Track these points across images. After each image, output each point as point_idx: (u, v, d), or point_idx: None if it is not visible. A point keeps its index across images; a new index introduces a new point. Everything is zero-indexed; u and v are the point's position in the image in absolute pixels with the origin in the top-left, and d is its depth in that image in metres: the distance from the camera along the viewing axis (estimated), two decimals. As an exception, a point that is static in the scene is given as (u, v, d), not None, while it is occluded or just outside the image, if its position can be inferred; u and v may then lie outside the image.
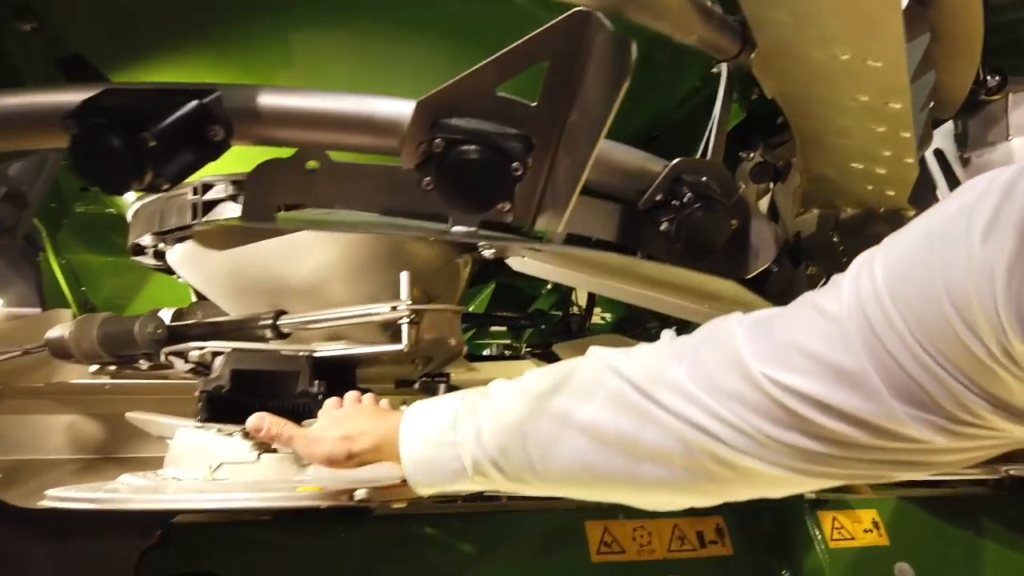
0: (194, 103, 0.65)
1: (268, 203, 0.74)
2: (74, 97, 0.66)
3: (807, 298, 0.62)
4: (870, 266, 0.56)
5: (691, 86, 1.32)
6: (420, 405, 0.88)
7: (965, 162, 1.19)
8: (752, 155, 1.34)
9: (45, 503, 1.15)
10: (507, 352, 2.18)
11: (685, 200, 0.85)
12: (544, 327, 2.06)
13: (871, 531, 1.42)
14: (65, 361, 1.37)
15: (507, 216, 0.72)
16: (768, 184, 1.38)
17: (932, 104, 1.02)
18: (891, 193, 1.05)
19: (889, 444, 0.56)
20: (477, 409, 0.80)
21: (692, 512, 1.36)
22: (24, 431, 1.76)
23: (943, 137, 1.22)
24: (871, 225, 1.17)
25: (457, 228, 0.77)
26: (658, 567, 1.27)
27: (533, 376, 0.80)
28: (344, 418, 0.96)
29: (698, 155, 1.10)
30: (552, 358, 1.61)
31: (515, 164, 0.69)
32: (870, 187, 1.07)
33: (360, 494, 0.98)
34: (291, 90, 0.71)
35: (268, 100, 0.70)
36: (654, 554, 1.29)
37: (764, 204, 1.45)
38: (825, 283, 1.00)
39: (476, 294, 1.93)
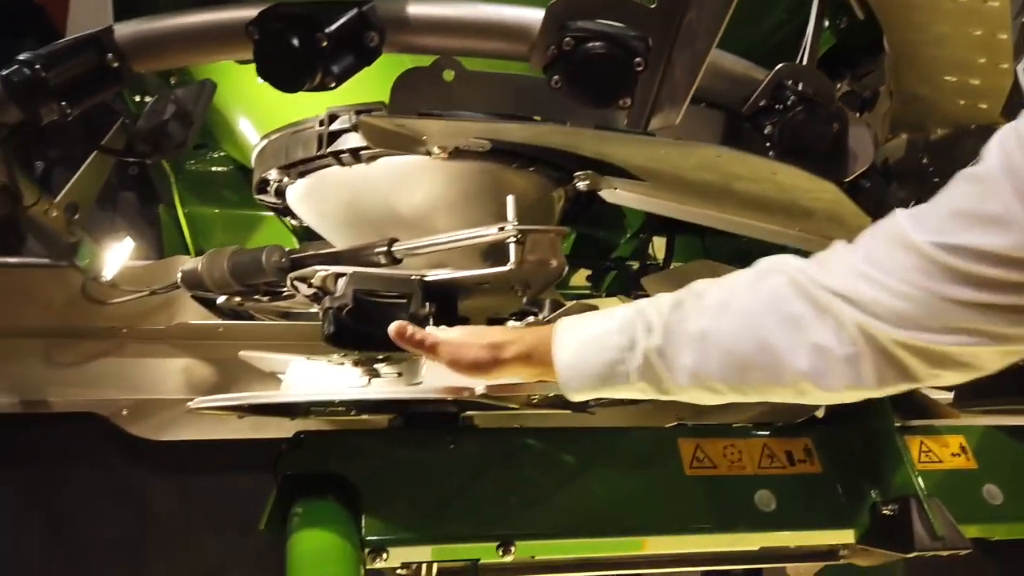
0: (355, 10, 0.74)
1: (410, 108, 0.82)
2: (249, 12, 0.75)
3: (957, 175, 0.69)
4: (1013, 128, 0.63)
5: (777, 20, 1.36)
6: (574, 315, 0.92)
7: (1057, 78, 1.21)
8: (840, 85, 1.38)
9: (193, 405, 1.26)
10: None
11: (788, 104, 0.90)
12: (624, 273, 2.12)
13: (959, 455, 1.45)
14: (196, 293, 1.50)
15: (626, 111, 0.79)
16: (856, 114, 1.41)
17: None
18: (984, 106, 1.08)
19: None
20: (647, 315, 0.83)
21: (781, 432, 1.42)
22: (146, 372, 1.91)
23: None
24: (962, 143, 1.19)
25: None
26: (748, 482, 1.33)
27: (704, 283, 0.83)
28: (485, 330, 1.00)
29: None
30: (641, 292, 1.68)
31: (637, 59, 0.76)
32: (962, 102, 1.10)
33: (480, 390, 1.06)
34: (434, 1, 0.80)
35: (415, 9, 0.78)
36: (744, 470, 1.35)
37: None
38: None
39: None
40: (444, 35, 0.79)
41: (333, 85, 0.75)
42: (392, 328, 1.01)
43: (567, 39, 0.76)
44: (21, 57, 0.79)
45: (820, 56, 1.35)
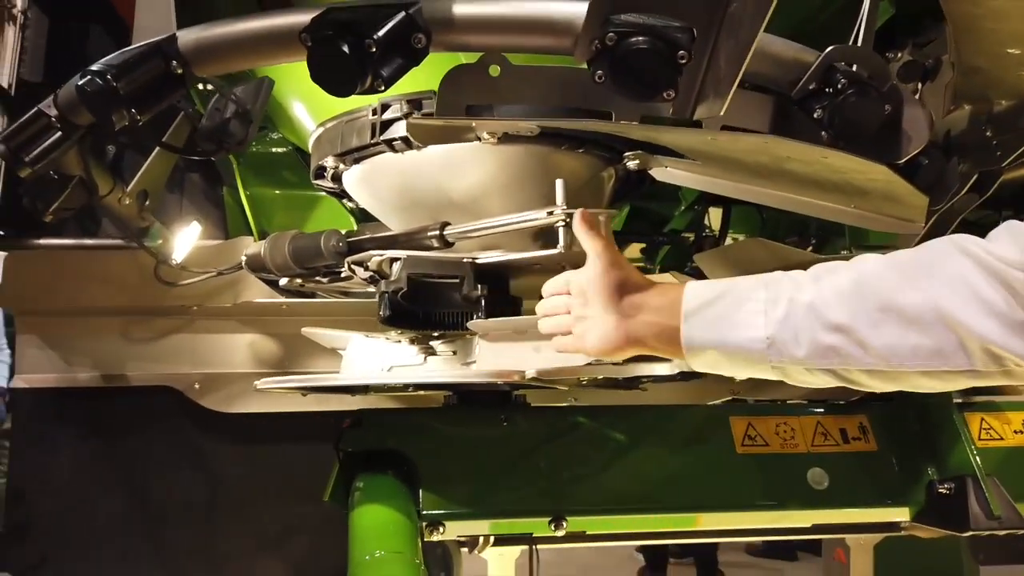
0: (403, 14, 0.76)
1: (458, 104, 0.84)
2: (302, 17, 0.78)
3: None
4: None
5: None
6: (697, 289, 0.85)
7: None
8: (900, 55, 1.33)
9: (260, 385, 1.33)
10: (640, 273, 2.25)
11: (839, 87, 0.89)
12: (679, 247, 2.11)
13: (1021, 432, 1.42)
14: (259, 275, 1.57)
15: (670, 104, 0.80)
16: (916, 84, 1.37)
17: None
18: (1050, 79, 1.04)
19: None
20: (788, 296, 0.79)
21: (835, 410, 1.42)
22: (215, 348, 2.01)
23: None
24: (1028, 115, 1.15)
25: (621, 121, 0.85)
26: (801, 460, 1.34)
27: (861, 260, 0.80)
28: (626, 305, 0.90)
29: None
30: (692, 276, 1.68)
31: (681, 53, 0.76)
32: (1027, 74, 1.06)
33: (530, 373, 1.09)
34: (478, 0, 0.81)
35: (460, 9, 0.80)
36: (797, 448, 1.35)
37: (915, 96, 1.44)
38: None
39: (614, 213, 2.00)
40: (489, 33, 0.81)
41: (382, 88, 0.77)
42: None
43: (610, 34, 0.76)
44: (94, 68, 0.83)
45: (880, 25, 1.32)
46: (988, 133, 1.23)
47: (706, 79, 0.82)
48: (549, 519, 1.21)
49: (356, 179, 1.38)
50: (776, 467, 1.32)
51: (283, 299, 1.90)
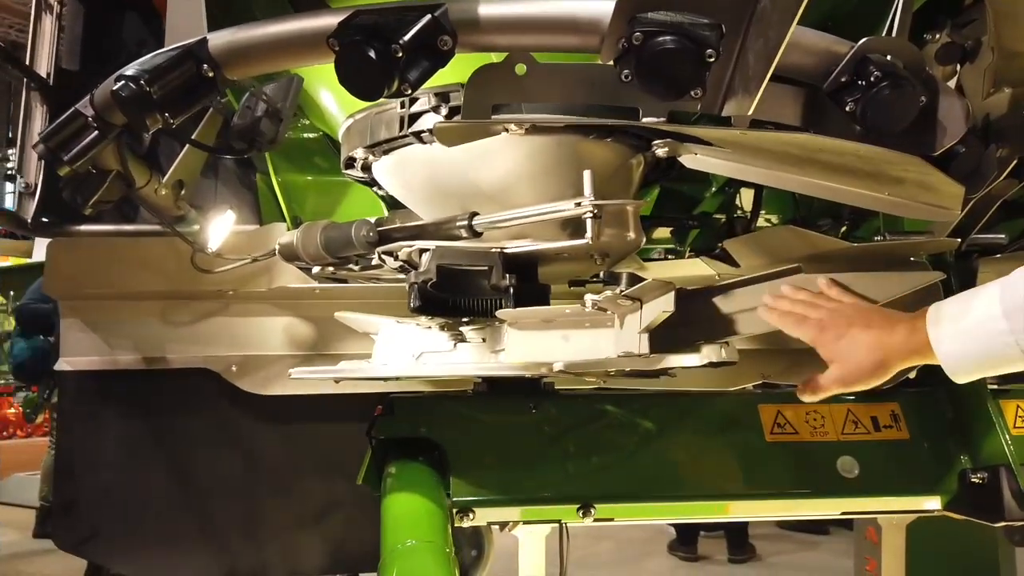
0: (428, 17, 0.76)
1: (484, 104, 0.85)
2: (331, 19, 0.79)
3: None
4: None
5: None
6: (943, 307, 0.97)
7: None
8: (938, 36, 1.30)
9: (294, 374, 1.36)
10: (670, 257, 2.24)
11: (872, 79, 0.87)
12: (710, 229, 2.09)
13: (1059, 420, 1.40)
14: (292, 263, 1.59)
15: (698, 102, 0.79)
16: (955, 66, 1.33)
17: None
18: (1094, 64, 1.00)
19: None
20: None
21: (866, 396, 1.41)
22: (252, 331, 2.05)
23: None
24: (1070, 101, 1.12)
25: (647, 119, 0.85)
26: (831, 448, 1.34)
27: None
28: (855, 354, 1.04)
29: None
30: (721, 259, 1.66)
31: (709, 51, 0.76)
32: (1070, 59, 1.03)
33: (558, 366, 1.10)
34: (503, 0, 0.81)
35: (485, 10, 0.80)
36: (827, 436, 1.35)
37: (951, 85, 1.40)
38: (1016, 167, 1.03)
39: (644, 195, 1.99)
40: (515, 33, 0.81)
41: (409, 92, 0.78)
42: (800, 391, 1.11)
43: (636, 34, 0.76)
44: (128, 72, 0.85)
45: (919, 6, 1.28)
46: (1029, 118, 1.19)
47: (735, 76, 0.81)
48: (578, 506, 1.23)
49: (386, 170, 1.39)
50: (806, 455, 1.32)
51: (316, 284, 1.93)
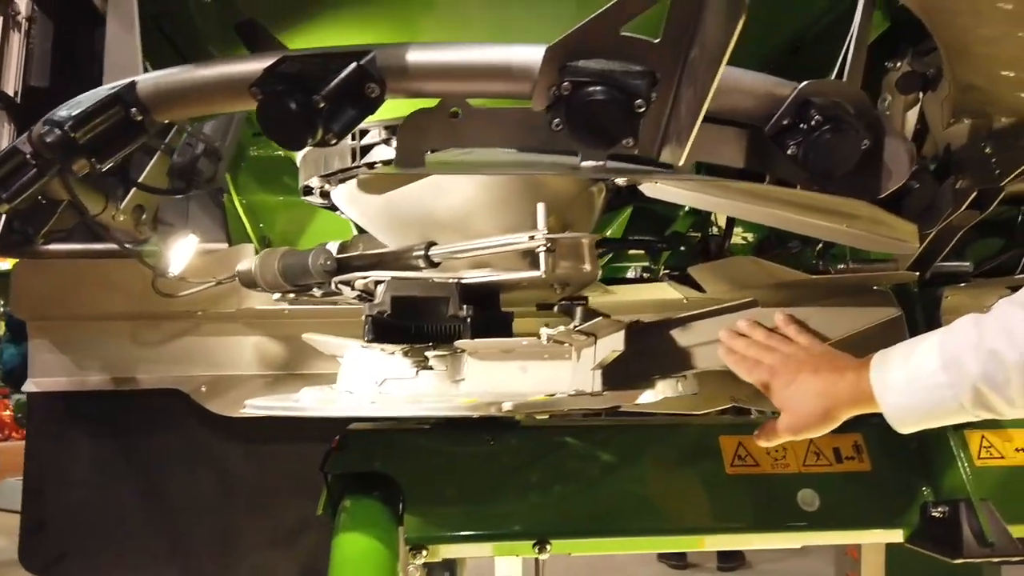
0: (353, 65, 0.75)
1: (418, 149, 0.83)
2: (257, 66, 0.77)
3: None
4: None
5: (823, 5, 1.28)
6: (885, 357, 0.96)
7: None
8: (899, 64, 1.28)
9: (245, 412, 1.35)
10: (645, 275, 2.22)
11: (813, 123, 0.86)
12: (683, 248, 2.08)
13: (1023, 450, 1.39)
14: (252, 290, 1.58)
15: (632, 150, 0.78)
16: (917, 94, 1.32)
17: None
18: (1048, 101, 0.99)
19: None
20: (963, 349, 0.87)
21: (829, 429, 1.39)
22: (220, 350, 2.04)
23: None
24: (1027, 135, 1.11)
25: (586, 163, 0.84)
26: (792, 480, 1.33)
27: (1017, 303, 0.86)
28: (804, 405, 1.03)
29: (836, 68, 1.09)
30: (689, 281, 1.65)
31: (638, 102, 0.74)
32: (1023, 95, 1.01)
33: (507, 406, 1.09)
34: (434, 46, 0.79)
35: (415, 56, 0.78)
36: (788, 468, 1.34)
37: (913, 114, 1.39)
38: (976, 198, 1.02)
39: (613, 218, 1.97)
40: (445, 80, 0.79)
41: (334, 141, 0.76)
42: (756, 436, 1.11)
43: (565, 84, 0.74)
44: (54, 116, 0.84)
45: (879, 35, 1.27)
46: (987, 150, 1.18)
47: (670, 123, 0.80)
48: (533, 542, 1.21)
49: (343, 198, 1.37)
50: (766, 488, 1.31)
51: (285, 306, 1.92)
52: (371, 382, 1.47)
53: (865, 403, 0.96)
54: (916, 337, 0.95)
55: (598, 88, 0.74)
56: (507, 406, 1.06)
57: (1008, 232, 1.82)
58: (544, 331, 1.23)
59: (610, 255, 2.06)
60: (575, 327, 1.19)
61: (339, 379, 1.59)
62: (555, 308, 1.53)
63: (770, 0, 1.23)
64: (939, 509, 1.27)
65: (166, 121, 0.86)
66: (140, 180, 1.17)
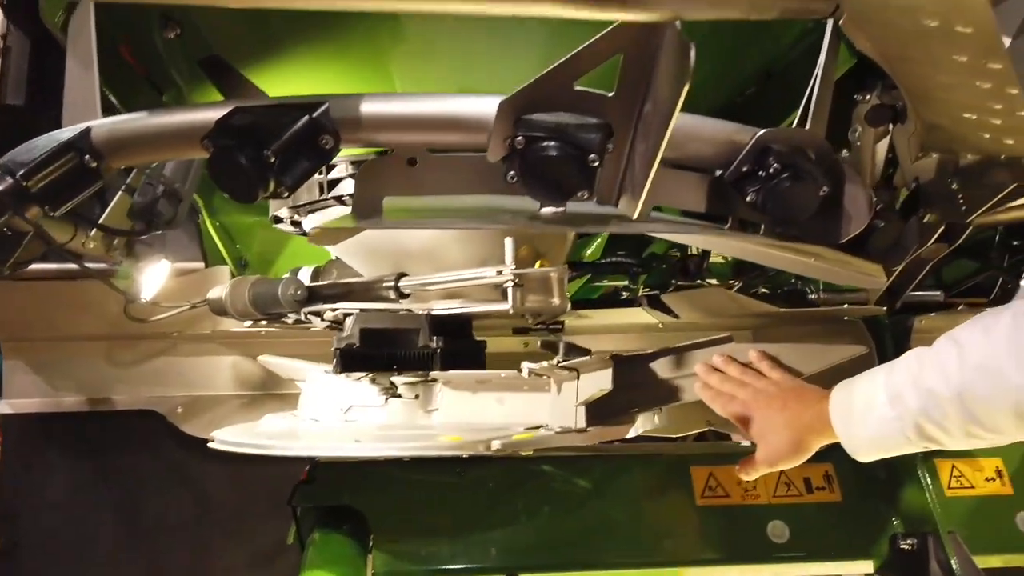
0: (305, 118, 0.74)
1: (376, 199, 0.83)
2: (212, 116, 0.76)
3: None
4: None
5: (802, 27, 1.28)
6: (843, 390, 0.99)
7: (1105, 100, 1.09)
8: (868, 96, 1.29)
9: (213, 445, 1.34)
10: (624, 294, 2.22)
11: (772, 171, 0.86)
12: (663, 267, 2.08)
13: (993, 480, 1.39)
14: (223, 316, 1.57)
15: (588, 202, 0.78)
16: (887, 126, 1.32)
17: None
18: (1009, 142, 0.99)
19: None
20: (905, 385, 0.90)
21: (800, 459, 1.39)
22: (197, 371, 2.02)
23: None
24: (992, 173, 1.11)
25: (545, 211, 0.84)
26: (762, 512, 1.32)
27: (965, 332, 0.88)
28: (777, 441, 1.06)
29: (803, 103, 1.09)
30: (662, 305, 1.65)
31: (592, 156, 0.74)
32: (987, 135, 1.01)
33: (496, 444, 1.07)
34: (389, 97, 0.79)
35: (369, 107, 0.78)
36: (758, 499, 1.34)
37: (883, 146, 1.40)
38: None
39: (591, 239, 1.97)
40: (400, 131, 0.79)
41: (287, 194, 0.76)
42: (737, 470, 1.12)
43: (519, 138, 0.74)
44: (7, 163, 0.83)
45: (846, 71, 1.27)
46: (954, 185, 1.18)
47: (626, 175, 0.79)
48: (502, 576, 1.21)
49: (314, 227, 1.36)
50: (736, 520, 1.31)
51: (261, 328, 1.90)
52: (336, 409, 1.45)
53: (829, 433, 0.99)
54: (874, 368, 0.97)
55: (552, 143, 0.73)
56: (496, 445, 1.05)
57: (983, 255, 1.83)
58: (526, 365, 1.23)
59: (586, 276, 2.06)
60: (559, 362, 1.18)
61: (301, 404, 1.57)
62: (538, 343, 1.53)
63: (740, 32, 1.24)
64: (908, 541, 1.27)
65: (122, 167, 0.85)
66: (100, 221, 1.15)
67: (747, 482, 1.34)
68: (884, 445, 0.93)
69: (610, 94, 0.75)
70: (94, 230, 1.49)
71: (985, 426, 0.85)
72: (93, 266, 1.59)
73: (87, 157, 0.83)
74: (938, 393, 0.86)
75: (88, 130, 0.83)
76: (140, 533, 2.07)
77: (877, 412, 0.92)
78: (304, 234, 1.50)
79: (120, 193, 1.12)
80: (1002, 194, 1.10)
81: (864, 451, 0.96)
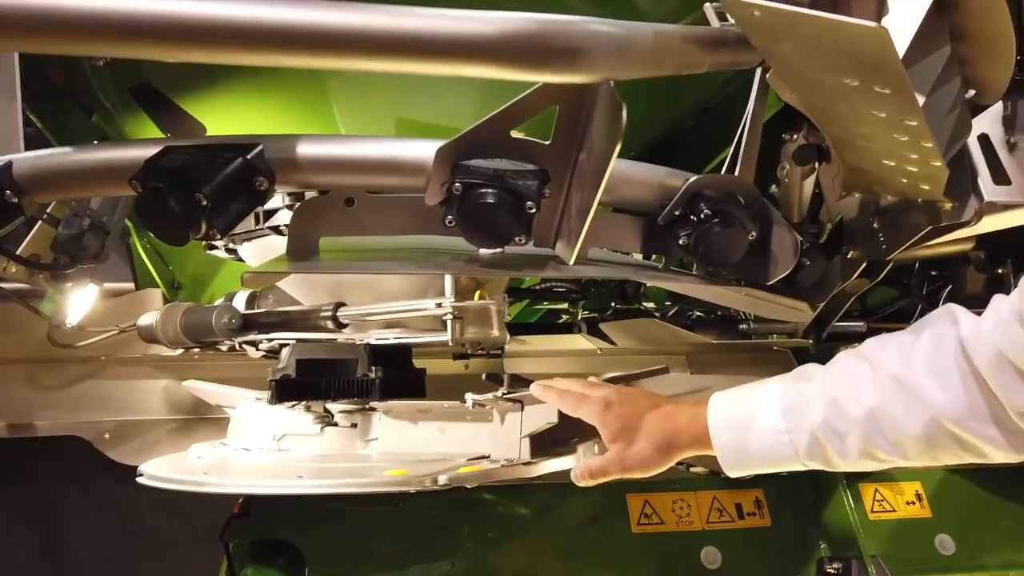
0: (239, 160, 0.73)
1: (311, 240, 0.82)
2: (140, 154, 0.75)
3: None
4: None
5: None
6: (725, 397, 0.93)
7: (1012, 147, 1.16)
8: (796, 136, 1.34)
9: (142, 480, 1.30)
10: (564, 316, 2.24)
11: (703, 216, 0.88)
12: (601, 292, 2.11)
13: (913, 503, 1.45)
14: (154, 344, 1.52)
15: (525, 247, 0.78)
16: (813, 164, 1.37)
17: (970, 94, 1.01)
18: (925, 187, 1.04)
19: None
20: (805, 397, 0.87)
21: (731, 484, 1.43)
22: (127, 395, 1.95)
23: (991, 121, 1.19)
24: (910, 215, 1.16)
25: (484, 252, 0.84)
26: (696, 538, 1.35)
27: (871, 348, 0.87)
28: (644, 429, 0.96)
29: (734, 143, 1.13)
30: (600, 332, 1.67)
31: (529, 203, 0.75)
32: (905, 180, 1.07)
33: (443, 479, 1.06)
34: (326, 138, 0.78)
35: (305, 149, 0.77)
36: (692, 525, 1.36)
37: (810, 183, 1.45)
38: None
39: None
40: (337, 173, 0.78)
41: (218, 237, 0.75)
42: (575, 475, 1.04)
43: (456, 184, 0.75)
44: (-80, 197, 0.79)
45: (774, 113, 1.32)
46: (875, 225, 1.24)
47: (563, 219, 0.81)
48: (440, 609, 1.20)
49: (249, 255, 1.34)
50: (670, 546, 1.33)
51: (193, 352, 1.85)
52: (268, 437, 1.42)
53: (702, 442, 0.92)
54: (758, 381, 0.94)
55: (489, 190, 0.74)
56: (443, 479, 1.04)
57: (903, 283, 1.91)
58: (470, 396, 1.22)
59: (526, 301, 2.07)
60: (503, 395, 1.18)
61: (230, 432, 1.53)
62: (485, 350, 1.52)
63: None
64: (834, 566, 1.32)
65: (43, 202, 0.82)
66: (18, 252, 1.11)
67: (681, 509, 1.36)
68: (765, 460, 0.88)
69: (547, 143, 0.76)
70: (20, 250, 1.44)
71: (887, 447, 0.82)
72: (11, 286, 1.53)
73: (7, 192, 0.80)
74: (844, 407, 0.83)
75: (10, 164, 0.81)
76: (63, 565, 1.99)
77: (766, 423, 0.87)
78: (240, 259, 1.48)
79: (41, 223, 1.08)
80: (919, 235, 1.15)
81: (740, 464, 0.90)
